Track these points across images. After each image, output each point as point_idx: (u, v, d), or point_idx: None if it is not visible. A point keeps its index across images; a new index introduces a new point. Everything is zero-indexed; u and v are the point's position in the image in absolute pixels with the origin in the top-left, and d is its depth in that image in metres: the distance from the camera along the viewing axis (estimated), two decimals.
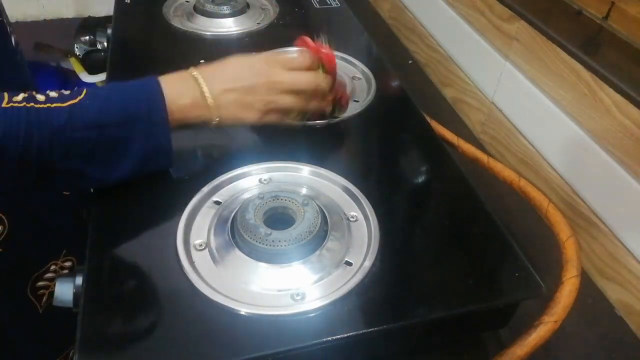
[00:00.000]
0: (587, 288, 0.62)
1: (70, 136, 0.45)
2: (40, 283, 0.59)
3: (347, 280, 0.46)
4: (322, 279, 0.47)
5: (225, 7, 0.86)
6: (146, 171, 0.51)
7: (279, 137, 0.65)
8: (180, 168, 0.59)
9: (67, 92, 0.46)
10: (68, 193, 0.64)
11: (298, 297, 0.45)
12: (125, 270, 0.47)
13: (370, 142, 0.68)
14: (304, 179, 0.58)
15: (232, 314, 0.43)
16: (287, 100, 0.54)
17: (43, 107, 0.44)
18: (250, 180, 0.57)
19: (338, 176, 0.57)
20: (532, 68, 0.70)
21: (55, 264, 0.61)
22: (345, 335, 0.42)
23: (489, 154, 0.69)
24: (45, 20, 1.42)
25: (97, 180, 0.50)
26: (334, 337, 0.42)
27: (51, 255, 0.61)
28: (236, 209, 0.51)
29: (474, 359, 0.53)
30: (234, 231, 0.49)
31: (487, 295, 0.47)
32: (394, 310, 0.45)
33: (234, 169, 0.57)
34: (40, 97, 0.45)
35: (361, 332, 0.43)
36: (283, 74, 0.54)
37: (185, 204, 0.52)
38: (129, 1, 0.90)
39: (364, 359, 0.48)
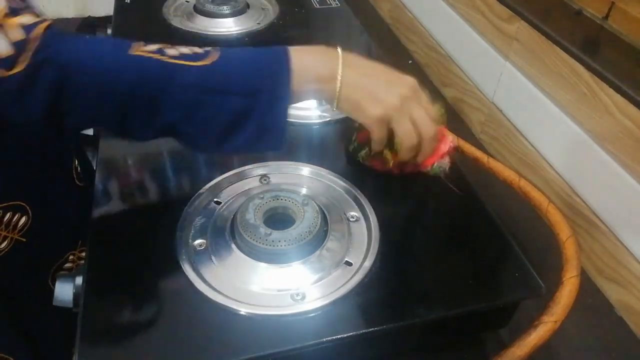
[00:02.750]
0: (587, 288, 0.62)
1: (195, 98, 0.45)
2: (61, 273, 0.60)
3: (347, 280, 0.46)
4: (322, 279, 0.47)
5: (225, 7, 0.86)
6: (255, 150, 0.50)
7: None
8: (180, 168, 0.59)
9: (200, 51, 0.46)
10: (82, 184, 0.64)
11: (298, 297, 0.45)
12: (125, 270, 0.47)
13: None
14: (304, 179, 0.58)
15: (232, 314, 0.43)
16: (420, 114, 0.50)
17: (173, 63, 0.44)
18: (250, 180, 0.57)
19: (338, 176, 0.57)
20: (532, 68, 0.70)
21: (73, 254, 0.61)
22: (345, 335, 0.42)
23: (489, 154, 0.69)
24: None
25: (208, 149, 0.51)
26: (334, 337, 0.42)
27: (69, 245, 0.61)
28: (236, 209, 0.51)
29: (474, 359, 0.53)
30: (234, 231, 0.49)
31: (487, 295, 0.47)
32: (394, 310, 0.45)
33: (234, 169, 0.57)
34: (172, 52, 0.45)
35: (361, 332, 0.43)
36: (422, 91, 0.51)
37: (185, 204, 0.52)
38: (129, 1, 0.90)
39: (363, 359, 0.48)
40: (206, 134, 0.47)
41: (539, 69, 0.69)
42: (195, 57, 0.45)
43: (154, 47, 0.44)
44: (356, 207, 0.54)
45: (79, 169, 0.65)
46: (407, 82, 0.50)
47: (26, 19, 0.40)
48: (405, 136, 0.50)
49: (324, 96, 0.49)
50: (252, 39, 0.83)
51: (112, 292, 0.45)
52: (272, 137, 0.47)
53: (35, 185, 0.56)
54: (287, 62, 0.47)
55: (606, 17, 0.60)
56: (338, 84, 0.48)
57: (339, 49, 0.49)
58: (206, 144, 0.48)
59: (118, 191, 0.55)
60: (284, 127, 0.47)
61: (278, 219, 0.51)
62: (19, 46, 0.39)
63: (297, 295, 0.45)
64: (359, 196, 0.54)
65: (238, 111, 0.46)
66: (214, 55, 0.46)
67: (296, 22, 0.89)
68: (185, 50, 0.46)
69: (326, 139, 0.66)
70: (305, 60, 0.47)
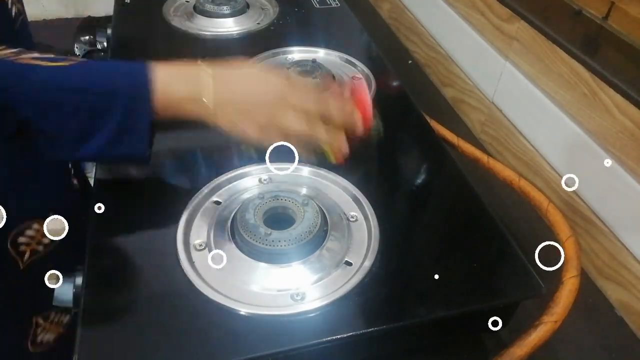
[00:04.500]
0: (587, 288, 0.62)
1: (51, 95, 0.45)
2: (22, 239, 0.59)
3: (347, 280, 0.46)
4: (322, 279, 0.47)
5: (225, 7, 0.86)
6: (118, 155, 0.49)
7: None
8: (180, 168, 0.59)
9: (60, 57, 0.47)
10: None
11: (298, 297, 0.45)
12: (125, 270, 0.47)
13: (370, 142, 0.68)
14: (304, 179, 0.58)
15: (232, 314, 0.43)
16: (290, 119, 0.50)
17: (27, 63, 0.44)
18: (250, 180, 0.57)
19: (338, 176, 0.57)
20: (532, 68, 0.70)
21: (40, 224, 0.60)
22: (345, 335, 0.42)
23: (489, 154, 0.69)
24: (45, 20, 1.42)
25: (66, 152, 0.49)
26: (334, 337, 0.42)
27: (34, 213, 0.60)
28: (236, 209, 0.51)
29: (474, 359, 0.53)
30: (234, 231, 0.49)
31: (487, 295, 0.47)
32: (394, 310, 0.45)
33: (234, 169, 0.57)
34: (29, 54, 0.45)
35: (361, 332, 0.43)
36: (294, 92, 0.51)
37: (185, 204, 0.52)
38: (129, 1, 0.90)
39: (363, 359, 0.48)
40: (62, 133, 0.47)
41: (539, 69, 0.69)
42: (53, 59, 0.46)
43: (9, 51, 0.45)
44: (356, 207, 0.54)
45: (72, 171, 0.64)
46: (274, 86, 0.51)
47: None
48: (296, 126, 0.50)
49: (197, 115, 0.49)
50: (252, 39, 0.83)
51: (112, 292, 0.45)
52: (132, 140, 0.48)
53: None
54: (145, 70, 0.47)
55: (606, 17, 0.60)
56: (209, 105, 0.48)
57: (205, 67, 0.50)
58: (62, 145, 0.48)
59: (117, 191, 0.55)
60: (145, 132, 0.47)
61: (278, 219, 0.51)
62: None
63: (297, 295, 0.45)
64: (359, 196, 0.54)
65: (95, 110, 0.46)
66: (73, 60, 0.47)
67: (296, 22, 0.89)
68: (44, 55, 0.46)
69: None
70: (167, 72, 0.48)
